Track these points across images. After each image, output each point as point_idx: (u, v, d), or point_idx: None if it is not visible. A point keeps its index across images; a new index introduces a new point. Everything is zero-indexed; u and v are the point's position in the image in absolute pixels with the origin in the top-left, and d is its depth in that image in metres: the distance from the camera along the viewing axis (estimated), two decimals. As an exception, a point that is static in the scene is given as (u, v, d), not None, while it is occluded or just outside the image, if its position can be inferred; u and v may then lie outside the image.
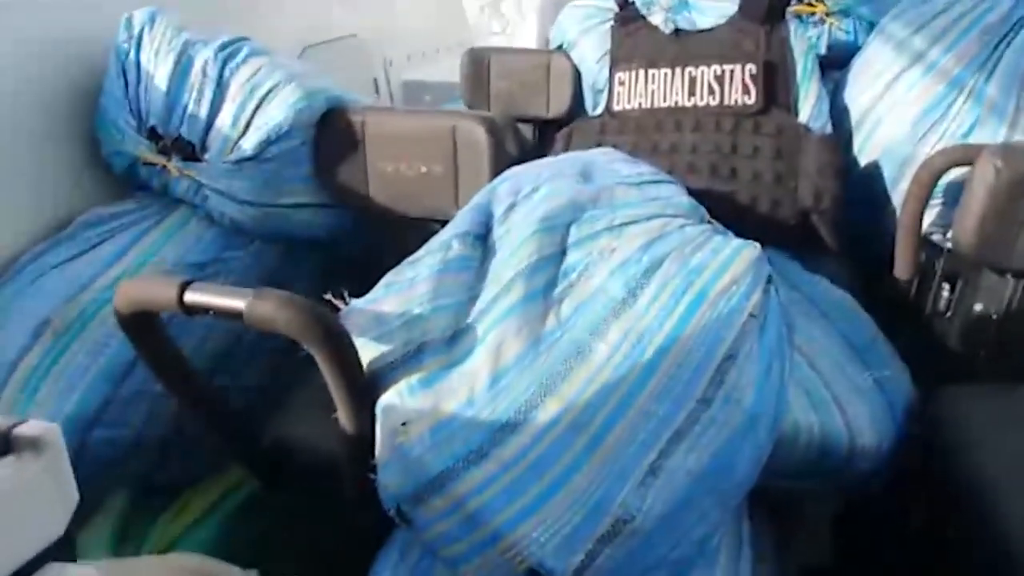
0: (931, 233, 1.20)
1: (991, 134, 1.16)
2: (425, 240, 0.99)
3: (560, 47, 1.67)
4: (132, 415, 0.93)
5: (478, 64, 1.71)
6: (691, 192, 1.21)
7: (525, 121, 1.77)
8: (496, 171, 1.01)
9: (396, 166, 1.07)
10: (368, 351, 0.72)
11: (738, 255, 0.79)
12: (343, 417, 0.68)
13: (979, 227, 0.91)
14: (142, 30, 1.06)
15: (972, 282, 1.03)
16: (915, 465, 0.97)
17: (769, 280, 0.81)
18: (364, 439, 0.68)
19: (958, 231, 0.96)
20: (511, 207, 0.88)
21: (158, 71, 1.04)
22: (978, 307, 1.04)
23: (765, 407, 0.72)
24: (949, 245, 1.04)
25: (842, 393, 0.96)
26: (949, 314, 1.07)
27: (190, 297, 0.65)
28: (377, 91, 2.20)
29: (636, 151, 1.29)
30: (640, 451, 0.65)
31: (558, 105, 1.67)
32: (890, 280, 1.18)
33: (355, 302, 0.77)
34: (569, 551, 0.61)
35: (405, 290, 0.76)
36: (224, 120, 1.03)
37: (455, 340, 0.73)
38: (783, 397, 0.79)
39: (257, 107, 1.03)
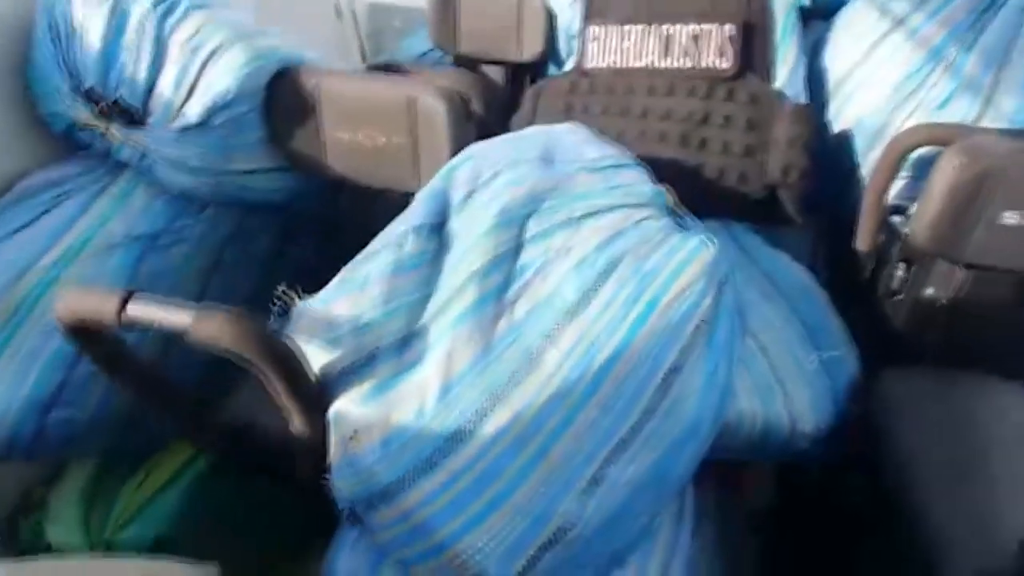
0: (895, 206, 1.21)
1: (966, 107, 1.14)
2: (387, 202, 0.97)
3: (534, -18, 1.57)
4: (89, 395, 0.93)
5: (446, 2, 1.60)
6: (659, 163, 1.20)
7: (497, 63, 1.69)
8: (457, 146, 0.98)
9: (353, 135, 1.02)
10: (319, 356, 0.72)
11: (694, 258, 0.79)
12: (295, 424, 0.69)
13: (936, 222, 0.92)
14: (69, -23, 0.97)
15: (925, 266, 1.04)
16: (855, 444, 1.02)
17: (724, 280, 0.82)
18: (317, 444, 0.70)
19: (915, 223, 0.96)
20: (469, 194, 0.86)
21: (91, 26, 0.96)
22: (928, 291, 1.06)
23: (707, 413, 0.75)
24: (907, 230, 1.05)
25: (787, 378, 1.00)
26: (901, 295, 1.10)
27: (131, 312, 0.63)
28: (339, 16, 2.06)
29: (607, 114, 1.26)
30: (584, 462, 0.68)
31: (531, 48, 1.59)
32: (850, 254, 1.20)
33: (307, 303, 0.76)
34: (512, 558, 0.65)
35: (357, 291, 0.75)
36: (166, 83, 0.97)
37: (407, 344, 0.73)
38: (728, 394, 0.82)
39: (200, 70, 0.96)
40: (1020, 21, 1.09)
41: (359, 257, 0.79)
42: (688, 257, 0.79)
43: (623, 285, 0.76)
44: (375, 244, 0.80)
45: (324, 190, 1.21)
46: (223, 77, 0.96)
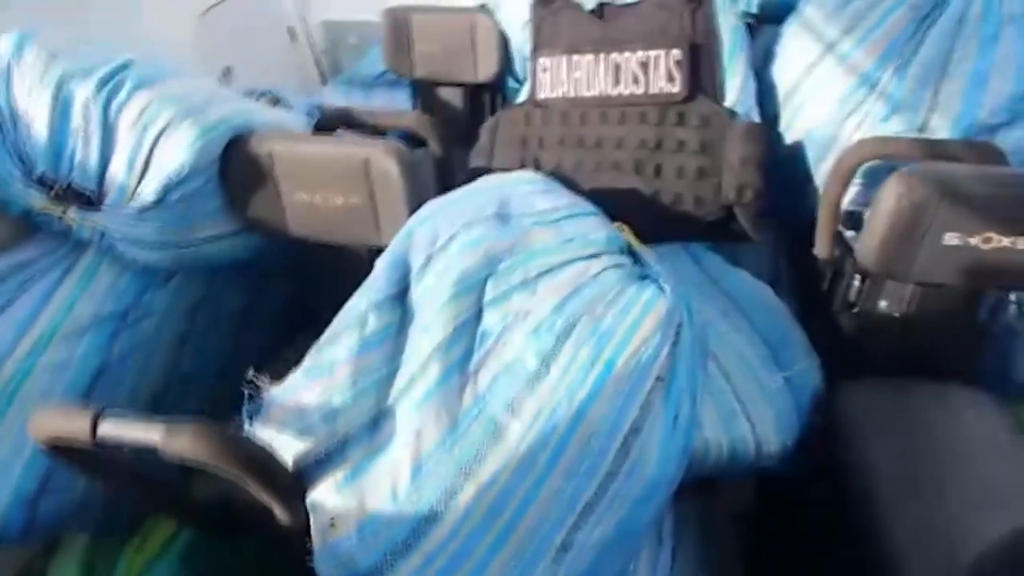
0: (850, 212, 1.24)
1: (910, 118, 1.17)
2: (354, 251, 0.97)
3: (484, 6, 1.56)
4: (76, 478, 0.95)
5: (398, 26, 1.59)
6: (616, 192, 1.22)
7: (455, 85, 1.69)
8: (414, 203, 0.99)
9: (311, 197, 1.03)
10: (292, 446, 0.74)
11: (648, 311, 0.82)
12: (276, 514, 0.72)
13: (882, 246, 0.95)
14: (9, 63, 0.96)
15: (878, 282, 1.08)
16: (819, 454, 1.07)
17: (680, 324, 0.85)
18: (299, 529, 0.73)
19: (863, 246, 1.00)
20: (428, 260, 0.88)
21: (36, 113, 0.96)
22: (883, 304, 1.10)
23: (670, 465, 0.79)
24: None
25: (750, 400, 1.04)
26: (857, 308, 1.13)
27: (103, 431, 0.66)
28: (294, 39, 2.03)
29: (562, 145, 1.27)
30: (552, 530, 0.71)
31: (486, 69, 1.59)
32: (809, 266, 1.24)
33: (276, 391, 0.78)
34: (487, 630, 0.68)
35: (325, 377, 0.77)
36: (118, 165, 0.97)
37: (377, 425, 0.76)
38: (691, 435, 0.86)
39: (152, 149, 0.96)
40: (956, 32, 1.11)
41: (323, 339, 0.81)
42: (643, 312, 0.82)
43: (580, 347, 0.79)
44: (338, 324, 0.82)
45: (289, 246, 1.23)
46: (175, 154, 0.96)
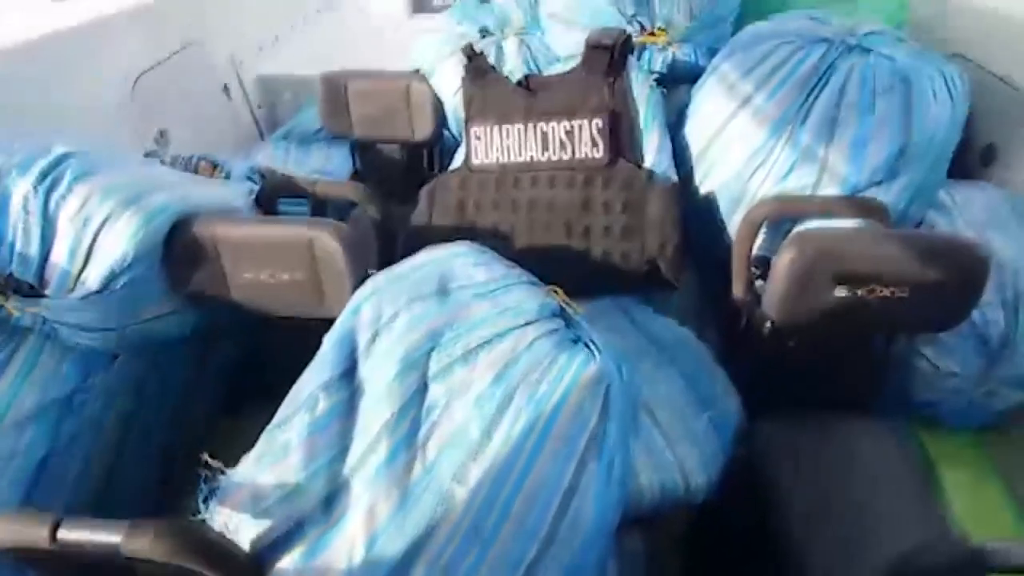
0: (760, 257, 1.37)
1: (808, 174, 1.30)
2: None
3: (419, 71, 1.64)
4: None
5: (334, 90, 1.65)
6: (549, 252, 1.30)
7: (393, 143, 1.75)
8: (357, 278, 1.05)
9: (256, 275, 1.07)
10: (250, 529, 0.78)
11: (580, 376, 0.89)
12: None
13: (782, 300, 1.07)
14: (-59, 158, 0.97)
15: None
16: (741, 482, 1.17)
17: (610, 385, 0.93)
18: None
19: (767, 299, 1.11)
20: (374, 337, 0.93)
21: (-28, 208, 0.96)
22: (791, 343, 1.23)
23: (607, 515, 0.86)
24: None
25: (679, 443, 1.13)
26: (770, 346, 1.25)
27: (62, 536, 0.68)
28: (230, 96, 2.05)
29: (497, 208, 1.35)
30: (499, 594, 0.78)
31: (422, 130, 1.67)
32: (729, 307, 1.35)
33: (232, 476, 0.82)
34: None
35: (280, 461, 0.82)
36: (59, 256, 0.98)
37: (331, 503, 0.80)
38: (626, 484, 0.94)
39: (93, 241, 0.98)
40: (838, 101, 1.26)
41: (275, 422, 0.85)
42: (575, 376, 0.89)
43: (519, 415, 0.86)
44: (289, 406, 0.86)
45: (233, 315, 1.25)
46: (118, 245, 0.98)
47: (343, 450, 0.84)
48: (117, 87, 1.61)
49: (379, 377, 0.89)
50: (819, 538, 1.02)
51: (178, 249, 1.05)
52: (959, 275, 1.02)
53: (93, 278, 0.99)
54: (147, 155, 1.67)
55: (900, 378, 1.33)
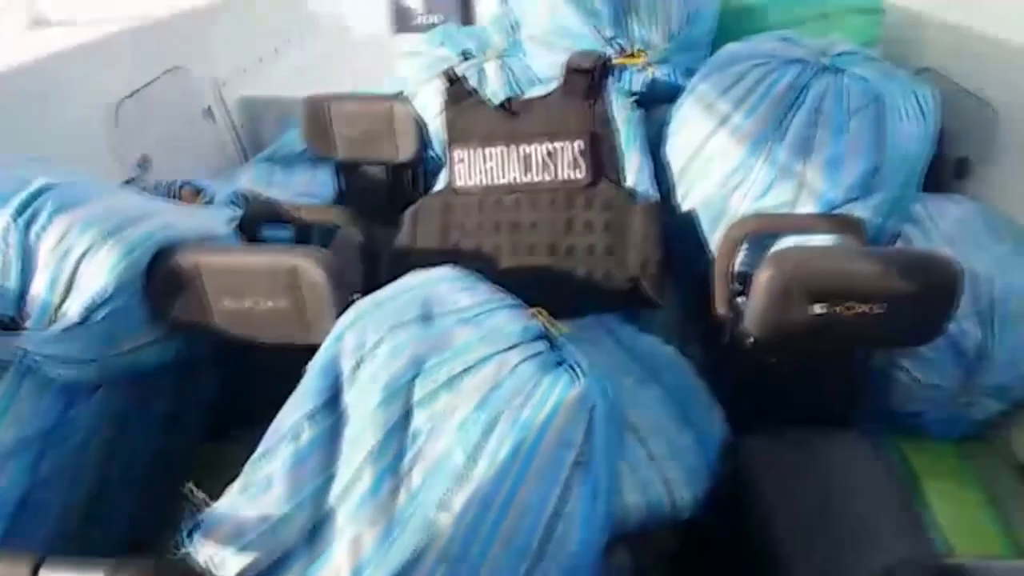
0: (742, 273, 1.39)
1: (786, 191, 1.33)
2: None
3: (401, 94, 1.65)
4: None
5: (317, 112, 1.65)
6: (533, 272, 1.31)
7: (376, 164, 1.76)
8: (340, 304, 1.05)
9: (239, 303, 1.07)
10: (234, 563, 0.77)
11: (564, 399, 0.90)
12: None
13: (761, 318, 1.08)
14: (-82, 191, 0.96)
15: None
16: (727, 498, 1.18)
17: (594, 406, 0.93)
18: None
19: (748, 316, 1.13)
20: (358, 364, 0.93)
21: (-51, 241, 0.96)
22: (772, 359, 1.24)
23: (592, 539, 0.86)
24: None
25: (664, 461, 1.14)
26: (755, 360, 1.27)
27: (43, 578, 0.67)
28: (214, 120, 2.05)
29: (481, 230, 1.36)
30: (487, 620, 0.77)
31: (406, 151, 1.68)
32: (712, 322, 1.36)
33: (216, 508, 0.81)
34: None
35: (264, 493, 0.81)
36: (39, 288, 0.98)
37: (316, 535, 0.80)
38: (612, 504, 0.94)
39: (74, 272, 0.98)
40: (814, 120, 1.28)
41: (259, 453, 0.85)
42: (559, 400, 0.90)
43: (504, 440, 0.86)
44: (273, 436, 0.86)
45: (215, 342, 1.25)
46: (99, 276, 0.98)
47: (327, 480, 0.84)
48: (98, 114, 1.61)
49: (363, 405, 0.89)
50: (804, 553, 1.03)
51: (160, 278, 1.04)
52: (934, 290, 1.04)
53: (74, 310, 0.98)
54: (129, 181, 1.67)
55: (881, 391, 1.35)
